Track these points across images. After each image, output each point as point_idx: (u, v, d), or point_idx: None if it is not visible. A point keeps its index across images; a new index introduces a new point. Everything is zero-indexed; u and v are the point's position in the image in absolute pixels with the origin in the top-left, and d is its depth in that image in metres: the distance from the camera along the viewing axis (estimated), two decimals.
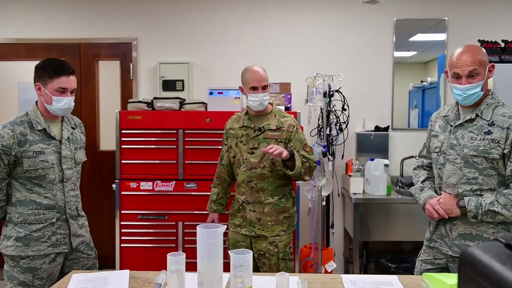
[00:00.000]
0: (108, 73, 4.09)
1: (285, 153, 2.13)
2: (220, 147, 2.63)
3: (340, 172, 3.87)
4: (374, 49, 3.94)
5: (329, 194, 3.45)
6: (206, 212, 2.66)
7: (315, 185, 3.22)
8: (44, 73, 2.13)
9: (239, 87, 2.37)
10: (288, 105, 3.40)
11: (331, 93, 3.43)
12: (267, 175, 2.30)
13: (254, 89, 2.22)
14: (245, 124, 2.30)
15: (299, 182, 3.07)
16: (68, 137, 2.25)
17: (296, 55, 3.97)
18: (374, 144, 3.84)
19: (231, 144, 2.39)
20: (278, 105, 3.25)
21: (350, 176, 3.62)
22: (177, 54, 3.97)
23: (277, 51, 3.95)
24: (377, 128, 3.90)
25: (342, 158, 3.79)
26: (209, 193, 2.86)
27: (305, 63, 3.94)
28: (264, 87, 2.24)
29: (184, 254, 1.57)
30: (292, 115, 2.43)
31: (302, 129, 2.54)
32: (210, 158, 3.17)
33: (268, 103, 2.32)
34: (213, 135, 3.16)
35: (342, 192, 3.83)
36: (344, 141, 3.70)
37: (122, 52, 4.04)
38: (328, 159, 3.25)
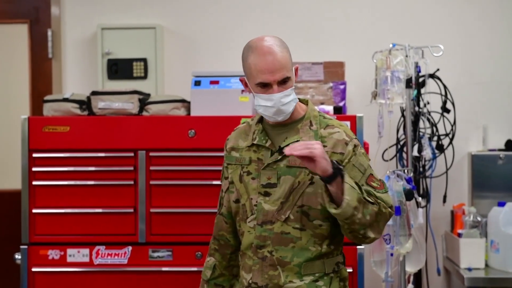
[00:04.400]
0: (7, 47, 3.60)
1: (322, 163, 1.70)
2: (219, 182, 2.33)
3: (441, 229, 3.32)
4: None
5: (420, 270, 2.95)
6: None
7: (393, 254, 2.67)
8: None
9: (240, 80, 1.97)
10: (341, 104, 2.97)
11: (421, 80, 2.97)
12: (293, 235, 1.91)
13: (264, 86, 1.82)
14: (255, 142, 1.92)
15: (361, 246, 2.59)
16: None
17: (355, 14, 3.42)
18: (505, 175, 3.20)
19: (232, 178, 1.99)
20: (322, 103, 2.92)
21: (460, 236, 3.00)
22: (134, 12, 3.45)
23: (318, 4, 3.42)
24: (510, 146, 3.26)
25: (444, 202, 3.17)
26: (198, 269, 2.52)
27: (372, 28, 3.40)
28: (284, 81, 1.82)
29: None
30: (346, 123, 2.19)
31: (367, 148, 2.53)
32: (197, 203, 2.71)
33: (299, 100, 1.95)
34: (203, 161, 2.72)
35: (445, 266, 3.26)
36: (447, 169, 3.15)
37: (34, 8, 3.50)
38: (418, 204, 2.76)
